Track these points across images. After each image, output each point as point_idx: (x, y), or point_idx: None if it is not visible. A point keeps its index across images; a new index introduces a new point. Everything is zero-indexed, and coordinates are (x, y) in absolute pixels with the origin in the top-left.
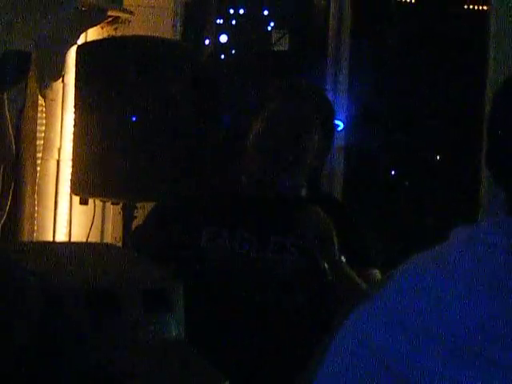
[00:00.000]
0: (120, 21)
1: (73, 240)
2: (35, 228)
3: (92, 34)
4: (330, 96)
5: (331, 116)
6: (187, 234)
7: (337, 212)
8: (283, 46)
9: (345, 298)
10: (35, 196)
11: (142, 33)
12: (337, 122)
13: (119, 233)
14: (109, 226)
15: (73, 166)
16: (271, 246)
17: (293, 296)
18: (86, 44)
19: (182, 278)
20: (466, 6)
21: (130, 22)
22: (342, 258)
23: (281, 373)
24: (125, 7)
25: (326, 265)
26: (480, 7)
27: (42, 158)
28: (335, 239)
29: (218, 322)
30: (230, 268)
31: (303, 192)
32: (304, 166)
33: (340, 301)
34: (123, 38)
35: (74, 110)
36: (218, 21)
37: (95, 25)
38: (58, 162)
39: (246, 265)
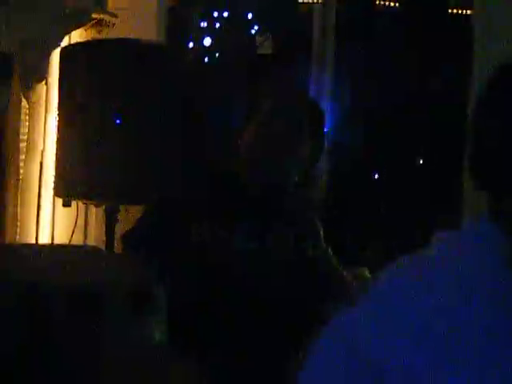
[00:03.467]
0: (104, 23)
1: (56, 242)
2: (18, 230)
3: (76, 36)
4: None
5: (323, 123)
6: (187, 229)
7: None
8: (267, 49)
9: (331, 287)
10: (18, 198)
11: (125, 35)
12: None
13: (102, 235)
14: (92, 229)
15: (56, 169)
16: (267, 236)
17: (291, 286)
18: (69, 46)
19: (184, 273)
20: (450, 10)
21: (114, 24)
22: (329, 249)
23: (277, 363)
24: (109, 10)
25: (311, 251)
26: (464, 11)
27: (25, 160)
28: (321, 230)
29: (220, 315)
30: (231, 260)
31: (293, 180)
32: (296, 171)
33: (326, 289)
34: (107, 41)
35: (57, 112)
36: (202, 24)
37: (79, 27)
38: (41, 164)
39: (247, 257)
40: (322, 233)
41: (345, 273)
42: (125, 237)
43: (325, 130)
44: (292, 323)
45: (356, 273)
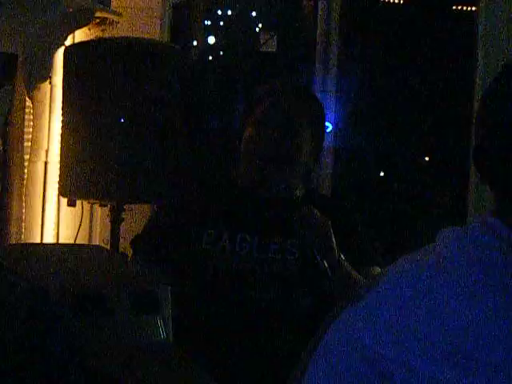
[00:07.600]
0: (107, 22)
1: (61, 242)
2: (23, 230)
3: (79, 36)
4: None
5: (321, 114)
6: (188, 237)
7: (333, 211)
8: (271, 47)
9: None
10: (23, 198)
11: (129, 34)
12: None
13: (107, 235)
14: (97, 228)
15: (60, 168)
16: (272, 247)
17: (294, 296)
18: (73, 45)
19: (185, 280)
20: (454, 7)
21: (117, 23)
22: (342, 256)
23: (282, 373)
24: (112, 9)
25: (325, 263)
26: (468, 8)
27: (29, 160)
28: (333, 237)
29: (220, 322)
30: (231, 268)
31: (299, 192)
32: (298, 166)
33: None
34: (111, 40)
35: (61, 111)
36: (206, 22)
37: (83, 26)
38: (46, 163)
39: (248, 265)
40: (332, 238)
41: (360, 278)
42: (134, 242)
43: (325, 122)
44: (297, 333)
45: (370, 273)
